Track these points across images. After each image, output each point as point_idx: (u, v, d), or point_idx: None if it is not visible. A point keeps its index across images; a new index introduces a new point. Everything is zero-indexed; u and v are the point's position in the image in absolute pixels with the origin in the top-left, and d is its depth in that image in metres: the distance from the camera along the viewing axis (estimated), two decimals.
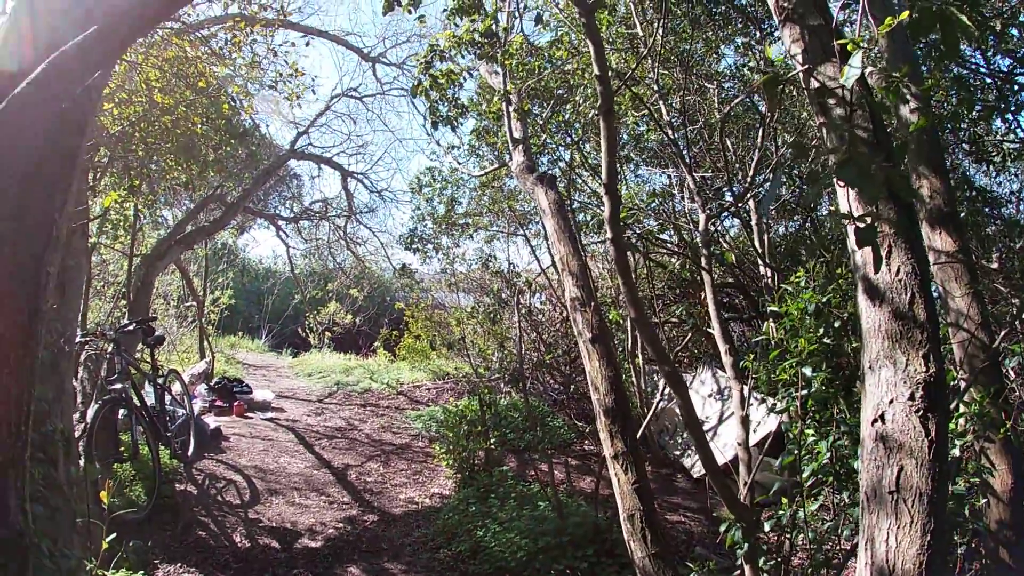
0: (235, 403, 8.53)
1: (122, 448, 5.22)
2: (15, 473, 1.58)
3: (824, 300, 3.50)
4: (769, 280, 5.96)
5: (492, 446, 6.52)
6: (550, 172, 5.37)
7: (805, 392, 3.45)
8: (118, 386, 5.05)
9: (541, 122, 6.31)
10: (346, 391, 10.49)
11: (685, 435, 7.02)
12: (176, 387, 6.96)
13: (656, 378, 7.71)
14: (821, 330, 3.44)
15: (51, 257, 1.81)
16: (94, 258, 8.70)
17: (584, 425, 7.98)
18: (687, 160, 5.52)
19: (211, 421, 7.46)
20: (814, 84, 2.21)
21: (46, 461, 2.57)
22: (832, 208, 7.71)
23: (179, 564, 4.34)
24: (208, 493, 5.67)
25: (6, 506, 1.55)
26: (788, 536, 3.53)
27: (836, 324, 3.50)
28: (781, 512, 3.52)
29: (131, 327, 5.41)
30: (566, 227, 4.56)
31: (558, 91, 6.55)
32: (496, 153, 7.94)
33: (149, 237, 9.17)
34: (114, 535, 3.37)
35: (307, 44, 8.09)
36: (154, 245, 7.66)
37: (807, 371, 3.42)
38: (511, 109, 5.40)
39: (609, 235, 3.22)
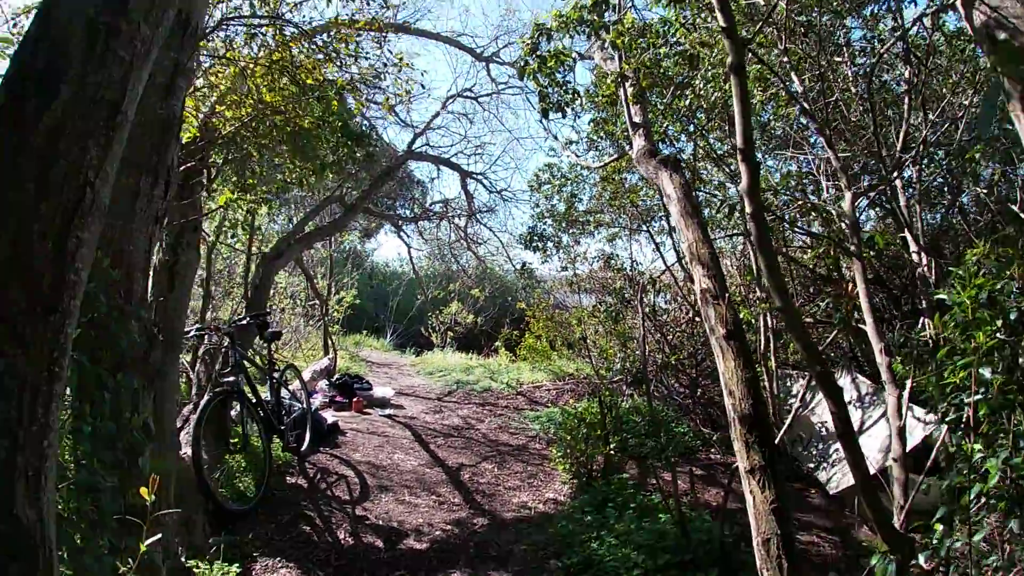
0: (354, 399, 8.63)
1: (233, 440, 5.30)
2: (25, 460, 1.41)
3: (998, 287, 2.86)
4: (925, 269, 5.17)
5: (612, 451, 6.12)
6: (674, 155, 4.92)
7: (979, 398, 2.80)
8: (230, 379, 5.12)
9: (661, 108, 5.84)
10: (466, 390, 10.42)
11: (820, 447, 6.31)
12: (294, 382, 7.09)
13: (789, 383, 7.04)
14: (999, 322, 2.79)
15: (80, 223, 1.64)
16: (222, 258, 9.13)
17: (711, 432, 7.40)
18: (827, 133, 4.89)
19: (329, 416, 7.56)
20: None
21: (116, 451, 2.48)
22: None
23: (278, 558, 4.28)
24: (318, 487, 5.66)
25: (11, 497, 1.38)
26: (943, 571, 2.90)
27: (1012, 316, 2.83)
28: (936, 541, 2.90)
29: (244, 321, 5.50)
30: (694, 211, 4.09)
31: (677, 78, 6.07)
32: (616, 145, 7.52)
33: (269, 237, 9.53)
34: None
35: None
36: (273, 244, 7.89)
37: (985, 373, 2.78)
38: (628, 90, 5.00)
39: (749, 209, 2.79)
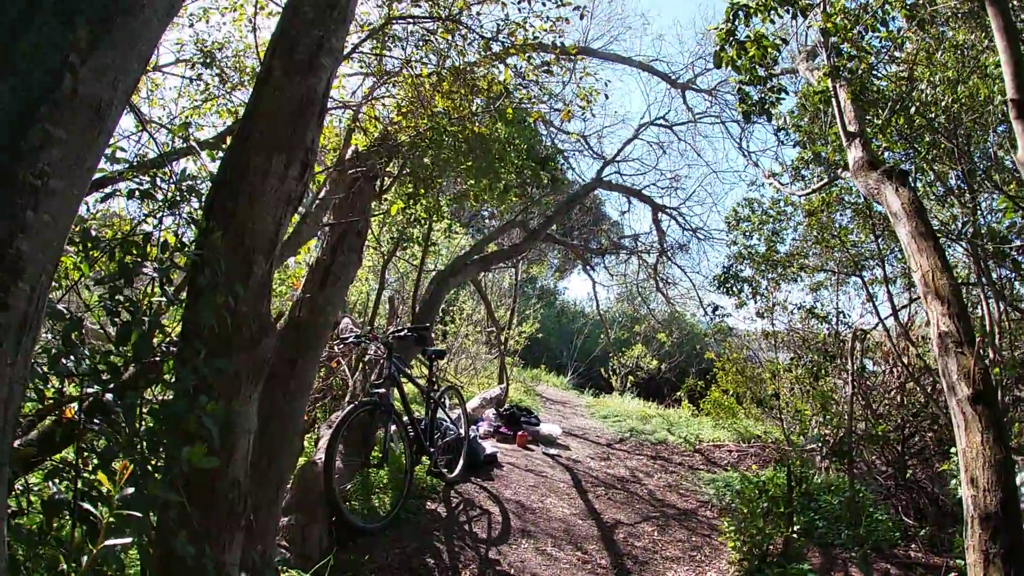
0: (519, 432, 8.29)
1: (374, 454, 5.11)
2: None
3: None
4: None
5: (795, 534, 5.13)
6: (900, 166, 4.03)
7: None
8: (380, 391, 4.95)
9: (878, 124, 4.91)
10: (639, 439, 9.67)
11: None
12: (455, 408, 6.88)
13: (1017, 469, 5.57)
14: None
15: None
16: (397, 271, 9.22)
17: (915, 525, 6.06)
18: None
19: (488, 446, 7.25)
20: None
21: (192, 439, 2.26)
22: None
23: None
24: (456, 519, 5.30)
25: None
26: None
27: None
28: None
29: (403, 333, 5.35)
30: (928, 232, 3.24)
31: (892, 92, 5.12)
32: (828, 169, 6.55)
33: (448, 255, 9.56)
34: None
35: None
36: (449, 262, 7.81)
37: None
38: (840, 91, 4.21)
39: None
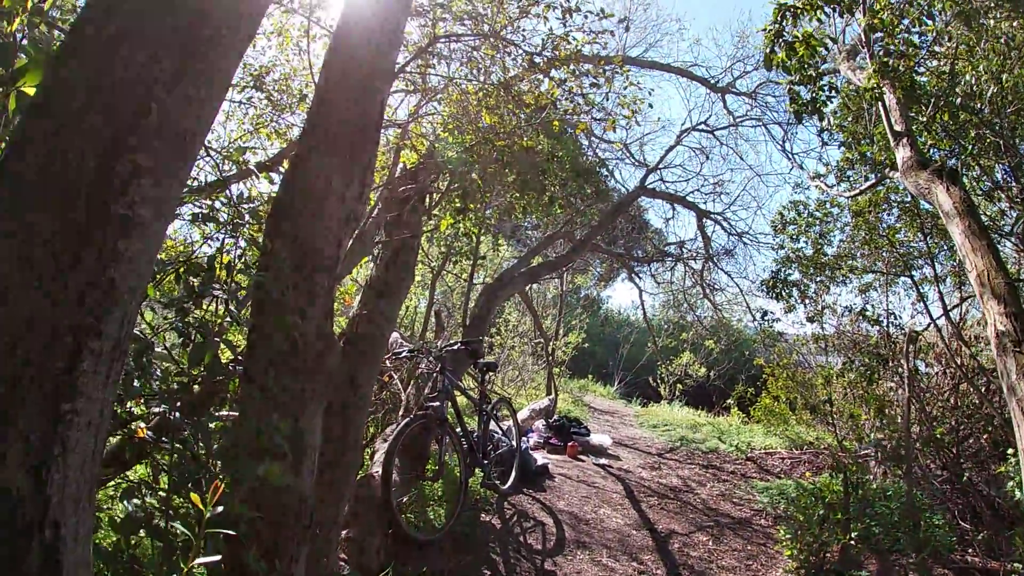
0: (569, 443, 8.27)
1: (430, 467, 5.16)
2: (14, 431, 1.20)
3: None
4: None
5: (852, 541, 5.01)
6: (950, 165, 3.93)
7: None
8: (435, 404, 5.00)
9: (923, 121, 4.80)
10: (690, 448, 9.55)
11: None
12: (507, 419, 6.90)
13: None
14: None
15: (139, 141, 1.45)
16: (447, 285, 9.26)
17: (972, 529, 5.86)
18: None
19: (540, 457, 7.25)
20: None
21: (263, 456, 2.32)
22: None
23: None
24: (511, 531, 5.31)
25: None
26: None
27: None
28: None
29: (456, 346, 5.40)
30: (982, 231, 3.16)
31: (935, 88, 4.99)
32: (874, 169, 6.41)
33: (495, 268, 9.60)
34: None
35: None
36: (497, 275, 7.86)
37: None
38: (886, 90, 4.13)
39: None
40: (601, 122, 6.96)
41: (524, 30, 5.07)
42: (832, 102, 4.40)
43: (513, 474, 6.22)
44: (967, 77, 4.51)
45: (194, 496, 1.66)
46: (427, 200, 5.24)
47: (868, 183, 5.84)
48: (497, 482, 5.93)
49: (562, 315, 11.63)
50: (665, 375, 14.69)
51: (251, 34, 1.88)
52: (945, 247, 7.11)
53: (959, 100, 4.56)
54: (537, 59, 4.95)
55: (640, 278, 12.49)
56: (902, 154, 3.94)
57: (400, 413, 5.79)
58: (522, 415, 8.89)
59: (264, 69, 5.71)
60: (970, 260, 3.10)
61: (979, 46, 4.49)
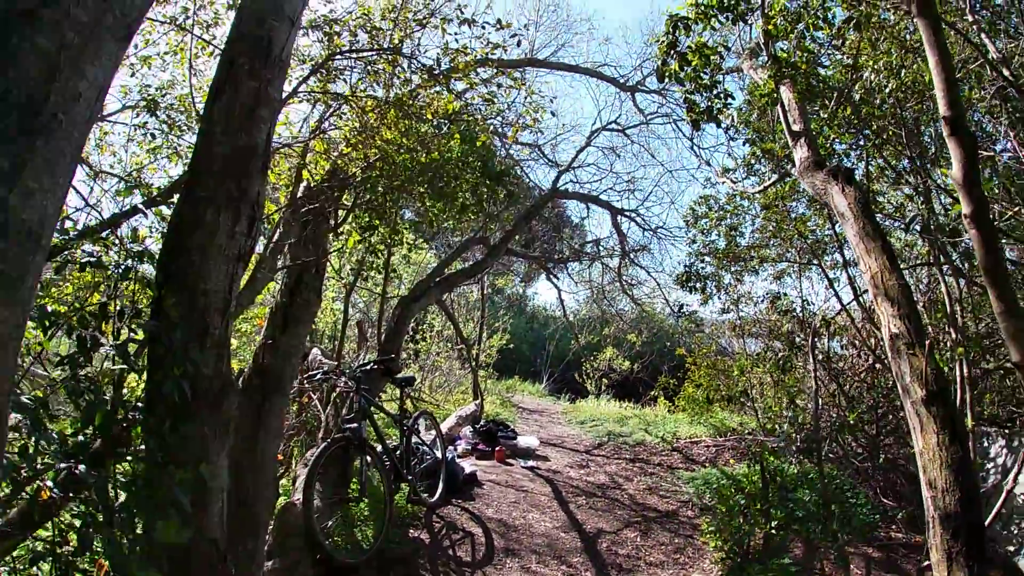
0: (497, 448, 8.30)
1: (351, 488, 5.10)
2: None
3: None
4: None
5: (773, 529, 5.22)
6: (844, 165, 4.12)
7: None
8: (352, 426, 4.94)
9: (824, 118, 5.04)
10: (617, 443, 9.73)
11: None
12: (430, 430, 6.88)
13: (986, 443, 5.82)
14: None
15: None
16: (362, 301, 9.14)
17: (894, 505, 6.22)
18: None
19: (468, 465, 7.26)
20: None
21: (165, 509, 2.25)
22: None
23: None
24: (440, 544, 5.30)
25: None
26: None
27: None
28: None
29: (369, 366, 5.34)
30: (876, 232, 3.30)
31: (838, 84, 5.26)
32: (778, 165, 6.67)
33: (411, 278, 9.52)
34: None
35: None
36: (412, 287, 7.77)
37: None
38: (784, 91, 4.31)
39: (965, 209, 2.08)
40: (507, 127, 7.01)
41: (423, 45, 5.05)
42: (729, 108, 4.54)
43: (440, 486, 6.20)
44: (867, 73, 4.73)
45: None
46: (333, 218, 5.15)
47: (772, 179, 6.07)
48: (424, 495, 5.90)
49: (485, 318, 11.63)
50: (590, 371, 14.92)
51: (95, 110, 1.82)
52: None
53: (860, 95, 4.78)
54: (437, 72, 4.94)
55: (558, 278, 12.66)
56: (800, 154, 4.10)
57: (321, 435, 5.69)
58: (449, 422, 8.88)
59: (160, 93, 5.48)
60: (864, 261, 3.22)
61: (879, 44, 4.71)
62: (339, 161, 5.01)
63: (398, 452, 5.63)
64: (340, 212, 5.31)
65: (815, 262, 8.10)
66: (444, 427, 8.67)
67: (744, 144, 7.05)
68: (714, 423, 10.01)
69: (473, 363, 10.82)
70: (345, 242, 5.45)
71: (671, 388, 11.89)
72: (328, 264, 5.87)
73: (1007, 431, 6.07)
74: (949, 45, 3.92)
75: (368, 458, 5.09)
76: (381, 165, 4.94)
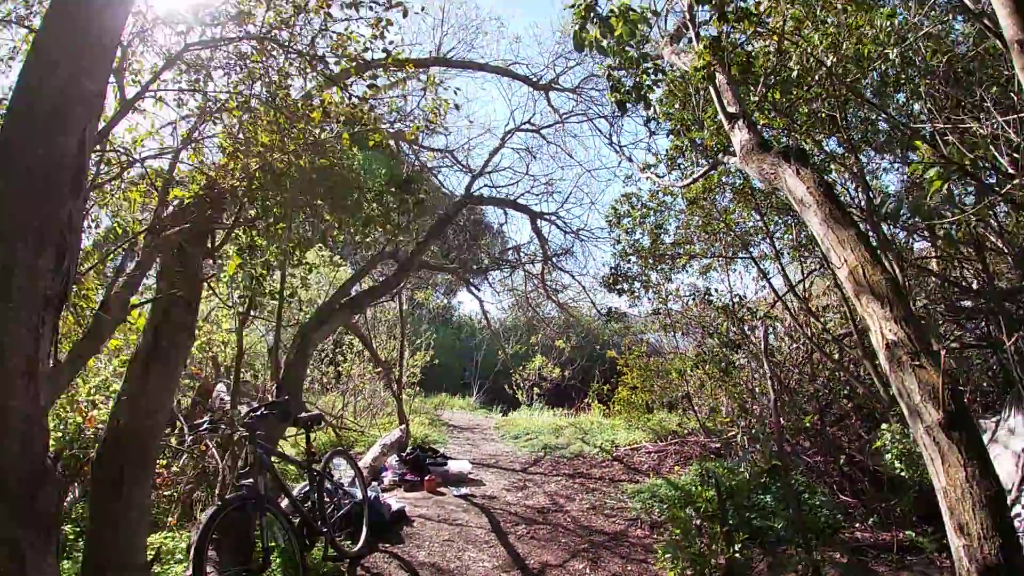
0: (427, 477, 7.64)
1: (255, 554, 4.35)
2: None
3: None
4: None
5: (736, 553, 4.73)
6: (796, 144, 3.66)
7: None
8: (247, 482, 4.19)
9: (755, 102, 4.63)
10: (554, 457, 9.23)
11: None
12: (343, 470, 6.15)
13: None
14: None
15: None
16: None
17: (853, 502, 5.92)
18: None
19: (395, 502, 6.56)
20: None
21: None
22: None
23: None
24: None
25: None
26: None
27: None
28: None
29: (261, 411, 4.54)
30: (846, 219, 2.79)
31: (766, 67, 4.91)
32: (706, 155, 6.27)
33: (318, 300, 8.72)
34: None
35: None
36: (314, 312, 6.95)
37: None
38: (718, 71, 3.84)
39: None
40: (416, 128, 6.40)
41: (301, 34, 4.36)
42: (658, 88, 4.07)
43: (363, 531, 5.50)
44: (796, 55, 4.36)
45: None
46: (210, 241, 4.39)
47: (701, 171, 5.64)
48: (347, 544, 5.22)
49: (404, 336, 10.90)
50: (520, 381, 14.41)
51: None
52: (781, 223, 7.19)
53: (797, 72, 4.41)
54: (321, 64, 4.28)
55: (479, 288, 12.06)
56: (739, 137, 3.64)
57: (217, 492, 4.91)
58: (372, 452, 8.16)
59: None
60: (837, 254, 2.70)
61: (807, 22, 4.35)
62: (216, 174, 4.27)
63: (307, 505, 4.91)
64: (221, 233, 4.56)
65: (743, 255, 7.83)
66: (368, 458, 7.95)
67: (667, 136, 6.63)
68: (652, 426, 9.63)
69: (393, 386, 10.10)
70: (229, 267, 4.68)
71: (604, 393, 11.53)
72: (214, 293, 5.10)
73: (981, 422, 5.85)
74: None
75: (271, 517, 4.36)
76: (262, 176, 4.23)
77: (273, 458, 4.70)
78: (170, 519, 4.96)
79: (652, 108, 4.24)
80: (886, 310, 2.38)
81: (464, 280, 11.09)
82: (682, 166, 6.95)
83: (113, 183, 4.11)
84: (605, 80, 4.14)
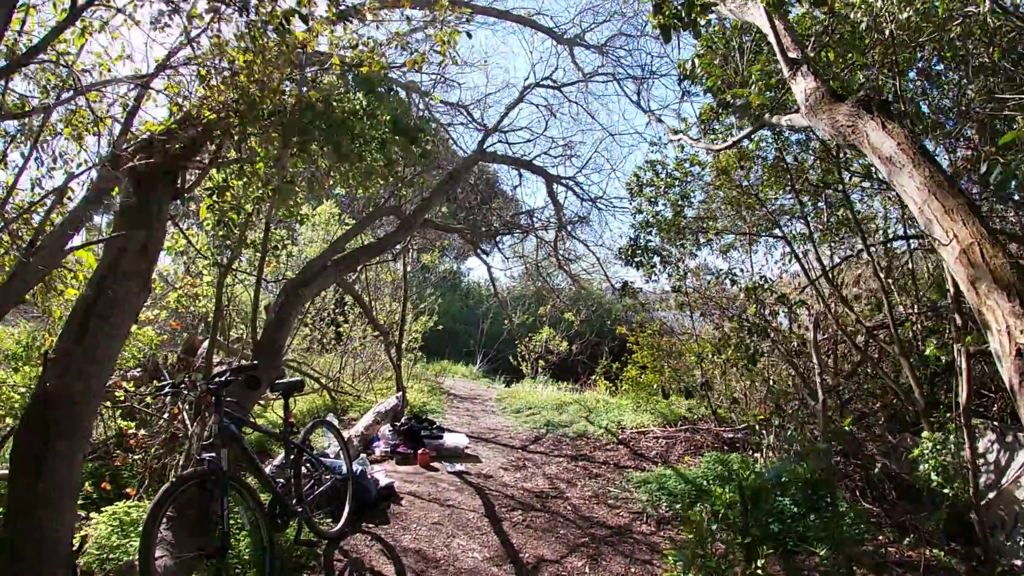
0: (420, 450, 7.18)
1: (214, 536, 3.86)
2: None
3: None
4: None
5: (759, 569, 4.16)
6: (877, 93, 3.03)
7: None
8: (209, 455, 3.70)
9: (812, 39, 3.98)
10: (556, 435, 8.74)
11: None
12: (328, 441, 5.68)
13: (992, 441, 5.12)
14: None
15: None
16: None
17: (876, 510, 5.40)
18: None
19: (383, 476, 6.10)
20: None
21: None
22: None
23: None
24: None
25: None
26: None
27: None
28: None
29: (226, 376, 4.00)
30: (951, 184, 2.19)
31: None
32: (750, 115, 5.58)
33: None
34: None
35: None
36: (301, 268, 6.33)
37: None
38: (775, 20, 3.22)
39: None
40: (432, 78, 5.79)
41: None
42: (713, 11, 3.44)
43: (346, 509, 5.05)
44: (857, 14, 3.72)
45: None
46: (179, 180, 3.83)
47: (744, 131, 4.99)
48: (328, 523, 4.77)
49: (407, 299, 10.35)
50: (525, 353, 13.90)
51: None
52: (811, 205, 6.56)
53: (860, 28, 3.77)
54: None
55: (488, 253, 11.47)
56: (803, 85, 3.02)
57: (180, 463, 4.44)
58: (365, 420, 7.69)
59: None
60: (943, 227, 2.10)
61: None
62: (195, 106, 3.71)
63: (280, 483, 4.43)
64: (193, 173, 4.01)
65: (772, 233, 7.22)
66: (360, 426, 7.48)
67: (706, 94, 5.96)
68: (661, 410, 9.11)
69: (390, 352, 9.59)
70: (200, 212, 4.13)
71: (612, 370, 11.03)
72: (186, 239, 4.57)
73: (995, 423, 5.34)
74: None
75: (236, 495, 3.88)
76: (238, 106, 3.67)
77: (245, 428, 4.21)
78: (130, 490, 4.47)
79: (700, 34, 3.59)
80: (1014, 304, 1.79)
81: (472, 243, 10.47)
82: (717, 130, 6.30)
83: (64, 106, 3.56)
84: (634, 43, 3.53)
